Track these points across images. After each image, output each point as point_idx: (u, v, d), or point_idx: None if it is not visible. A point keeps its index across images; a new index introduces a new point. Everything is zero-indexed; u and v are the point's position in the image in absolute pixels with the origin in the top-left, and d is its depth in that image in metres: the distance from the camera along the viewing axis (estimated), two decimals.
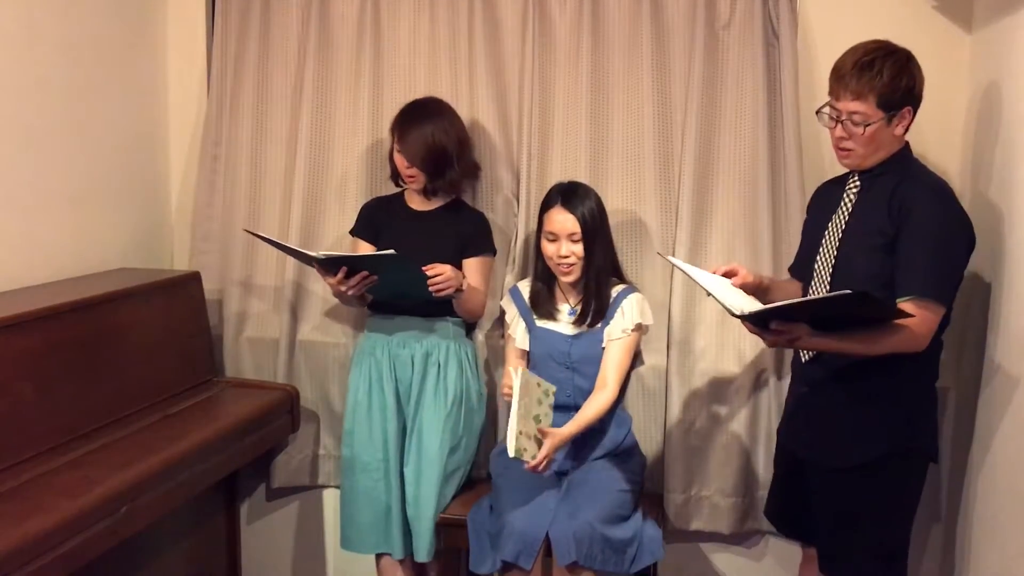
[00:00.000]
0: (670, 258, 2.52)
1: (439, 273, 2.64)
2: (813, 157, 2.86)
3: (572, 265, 2.68)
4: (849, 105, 2.27)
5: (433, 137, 2.74)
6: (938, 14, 2.82)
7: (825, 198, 2.51)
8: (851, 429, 2.35)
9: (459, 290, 2.72)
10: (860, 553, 2.36)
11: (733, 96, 2.89)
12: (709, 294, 2.28)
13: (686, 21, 2.90)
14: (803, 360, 2.44)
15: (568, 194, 2.70)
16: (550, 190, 2.76)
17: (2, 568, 1.84)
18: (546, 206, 2.71)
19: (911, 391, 2.35)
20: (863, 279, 2.26)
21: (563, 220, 2.67)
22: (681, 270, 2.43)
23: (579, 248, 2.67)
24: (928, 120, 2.75)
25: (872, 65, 2.26)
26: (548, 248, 2.69)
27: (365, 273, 2.60)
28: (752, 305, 2.27)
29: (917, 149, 2.76)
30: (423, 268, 2.62)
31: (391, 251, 2.52)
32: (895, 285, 2.24)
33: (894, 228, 2.27)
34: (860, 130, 2.28)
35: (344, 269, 2.59)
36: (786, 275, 2.70)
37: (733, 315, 2.20)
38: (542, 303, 2.76)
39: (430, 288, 2.63)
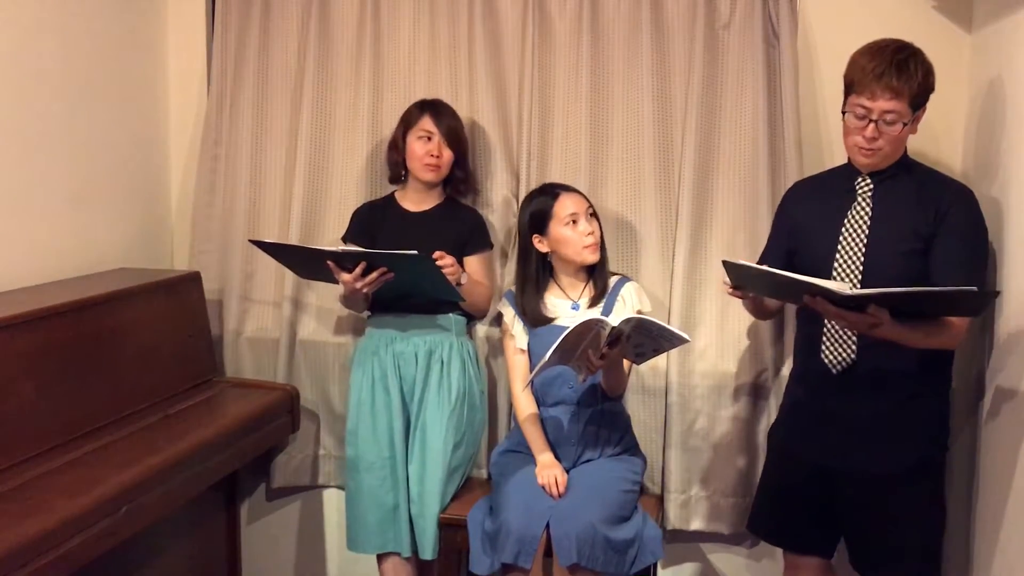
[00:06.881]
0: (741, 261, 2.32)
1: (449, 264, 2.70)
2: (813, 157, 2.85)
3: (596, 242, 2.71)
4: (887, 104, 2.23)
5: (461, 124, 2.89)
6: (938, 14, 2.81)
7: (821, 198, 2.46)
8: (898, 434, 2.35)
9: (459, 283, 2.75)
10: (907, 555, 2.39)
11: (733, 96, 2.89)
12: (801, 282, 2.14)
13: (686, 21, 2.90)
14: (834, 372, 2.38)
15: (561, 184, 2.80)
16: (537, 193, 2.79)
17: (2, 568, 1.84)
18: (548, 200, 2.72)
19: (944, 393, 2.42)
20: (895, 281, 2.23)
21: (577, 199, 2.74)
22: (760, 268, 2.28)
23: (596, 224, 2.73)
24: (929, 120, 2.74)
25: (908, 64, 2.24)
26: (569, 233, 2.69)
27: (383, 269, 2.58)
28: (853, 289, 2.17)
29: (919, 148, 2.76)
30: (434, 255, 2.65)
31: (413, 251, 2.51)
32: (939, 284, 2.23)
33: (930, 229, 2.27)
34: (896, 129, 2.26)
35: (363, 265, 2.58)
36: None
37: (837, 295, 2.09)
38: (532, 309, 2.75)
39: (443, 273, 2.64)
